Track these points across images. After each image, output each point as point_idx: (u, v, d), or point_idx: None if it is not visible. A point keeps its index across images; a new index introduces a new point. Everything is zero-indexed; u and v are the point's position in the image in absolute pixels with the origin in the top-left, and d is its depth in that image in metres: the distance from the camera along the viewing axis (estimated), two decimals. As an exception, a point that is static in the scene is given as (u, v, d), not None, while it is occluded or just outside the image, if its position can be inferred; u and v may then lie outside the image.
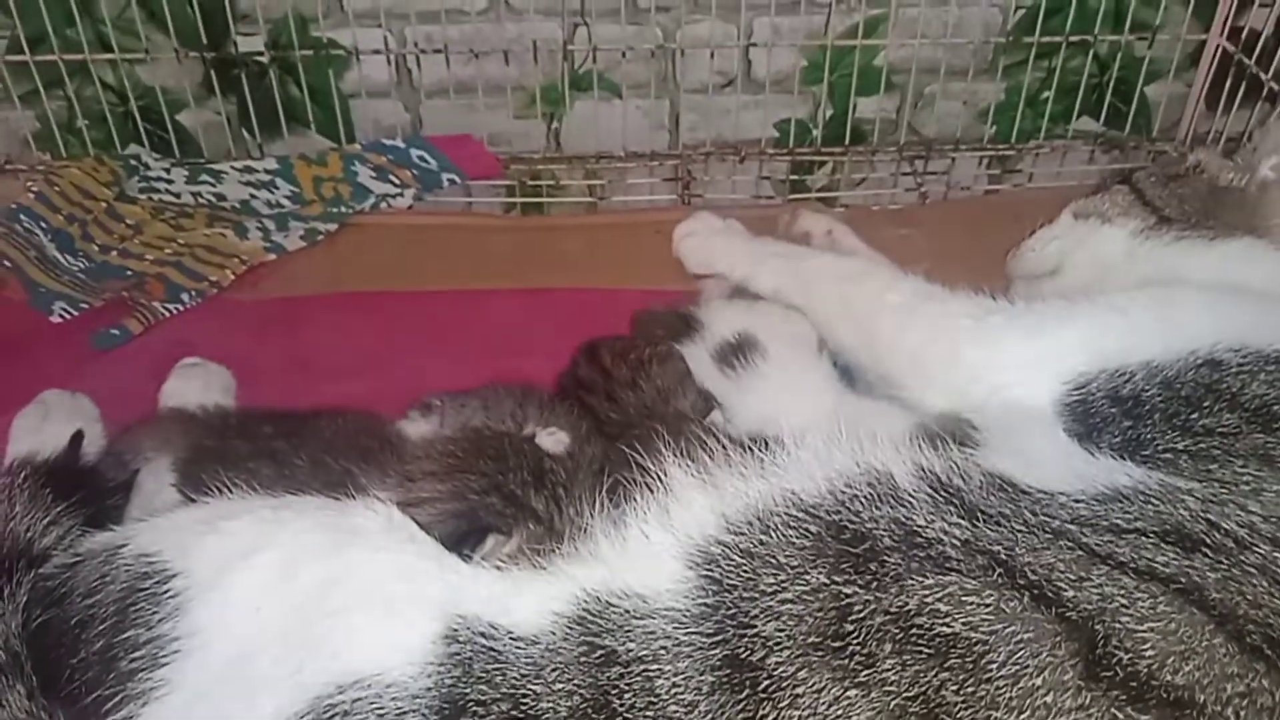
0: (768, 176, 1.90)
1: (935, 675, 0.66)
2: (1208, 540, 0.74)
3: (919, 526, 0.75)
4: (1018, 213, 1.32)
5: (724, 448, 0.88)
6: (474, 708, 0.69)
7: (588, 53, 1.78)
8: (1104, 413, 0.91)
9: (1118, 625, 0.67)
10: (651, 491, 0.84)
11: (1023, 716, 0.64)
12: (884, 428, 0.97)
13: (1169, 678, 0.65)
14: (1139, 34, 1.81)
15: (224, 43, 1.75)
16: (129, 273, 1.52)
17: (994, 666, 0.66)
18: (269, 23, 1.73)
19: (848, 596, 0.70)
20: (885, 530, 0.75)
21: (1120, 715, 0.64)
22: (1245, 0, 1.76)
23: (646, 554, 0.79)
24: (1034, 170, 1.91)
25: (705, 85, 1.83)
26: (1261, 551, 0.72)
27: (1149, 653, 0.66)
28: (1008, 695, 0.65)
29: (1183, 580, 0.70)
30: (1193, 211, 1.13)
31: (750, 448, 0.88)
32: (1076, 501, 0.79)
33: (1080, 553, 0.72)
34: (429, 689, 0.70)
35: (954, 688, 0.65)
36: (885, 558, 0.73)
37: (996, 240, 1.32)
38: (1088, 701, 0.64)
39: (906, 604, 0.69)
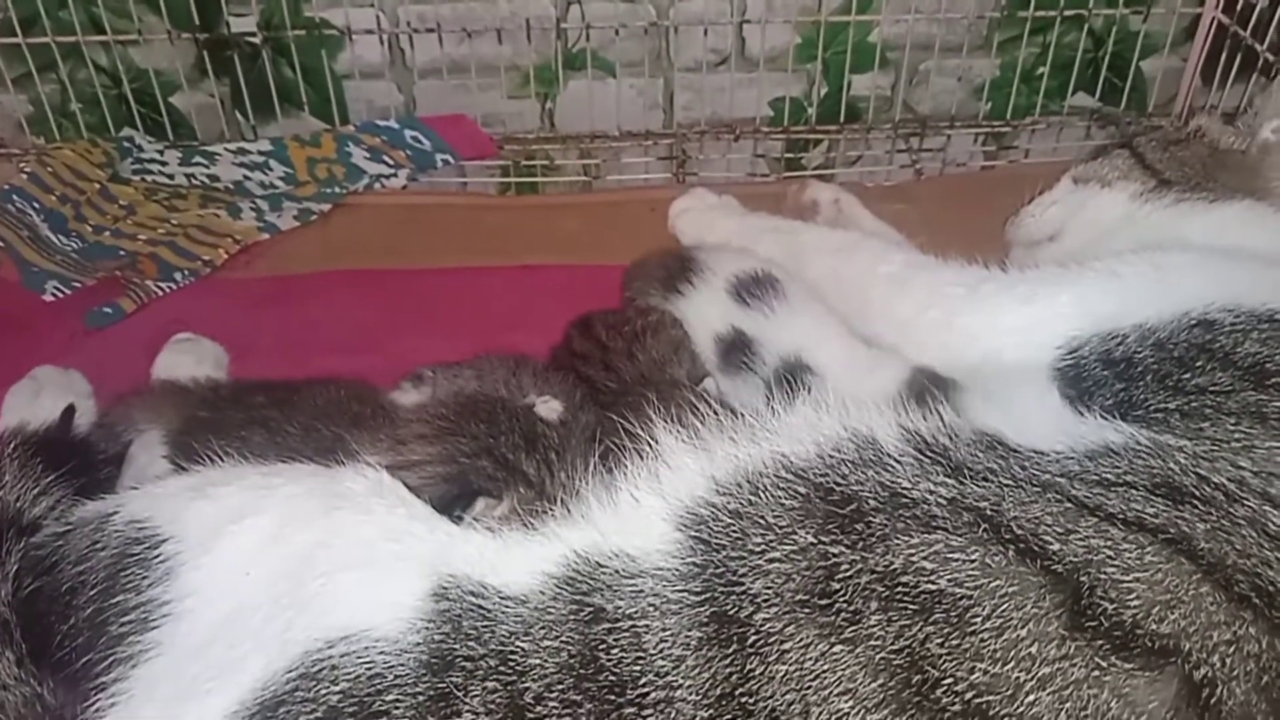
0: (763, 154, 1.90)
1: (920, 630, 0.66)
2: (1197, 493, 0.73)
3: (904, 488, 0.75)
4: (1013, 188, 1.31)
5: (715, 413, 0.88)
6: (462, 662, 0.69)
7: (581, 31, 1.78)
8: (1096, 375, 0.91)
9: (1103, 576, 0.67)
10: (642, 456, 0.83)
11: (1007, 667, 0.64)
12: (880, 380, 0.98)
13: (1154, 626, 0.65)
14: (1134, 8, 1.80)
15: (217, 24, 1.75)
16: (122, 252, 1.52)
17: (978, 620, 0.66)
18: (261, 3, 1.73)
19: (834, 556, 0.71)
20: (871, 492, 0.75)
21: (1104, 664, 0.64)
22: (1241, -28, 1.76)
23: (636, 516, 0.79)
24: (1030, 146, 1.91)
25: (699, 63, 1.82)
26: (1251, 505, 0.72)
27: (1134, 602, 0.66)
28: (992, 647, 0.65)
29: (1171, 531, 0.70)
30: (1193, 175, 1.13)
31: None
32: (1067, 458, 0.79)
33: (1068, 505, 0.72)
34: (418, 644, 0.71)
35: (938, 641, 0.65)
36: (871, 518, 0.73)
37: (992, 215, 1.32)
38: (1071, 651, 0.64)
39: (892, 563, 0.69)
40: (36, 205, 1.55)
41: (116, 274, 1.46)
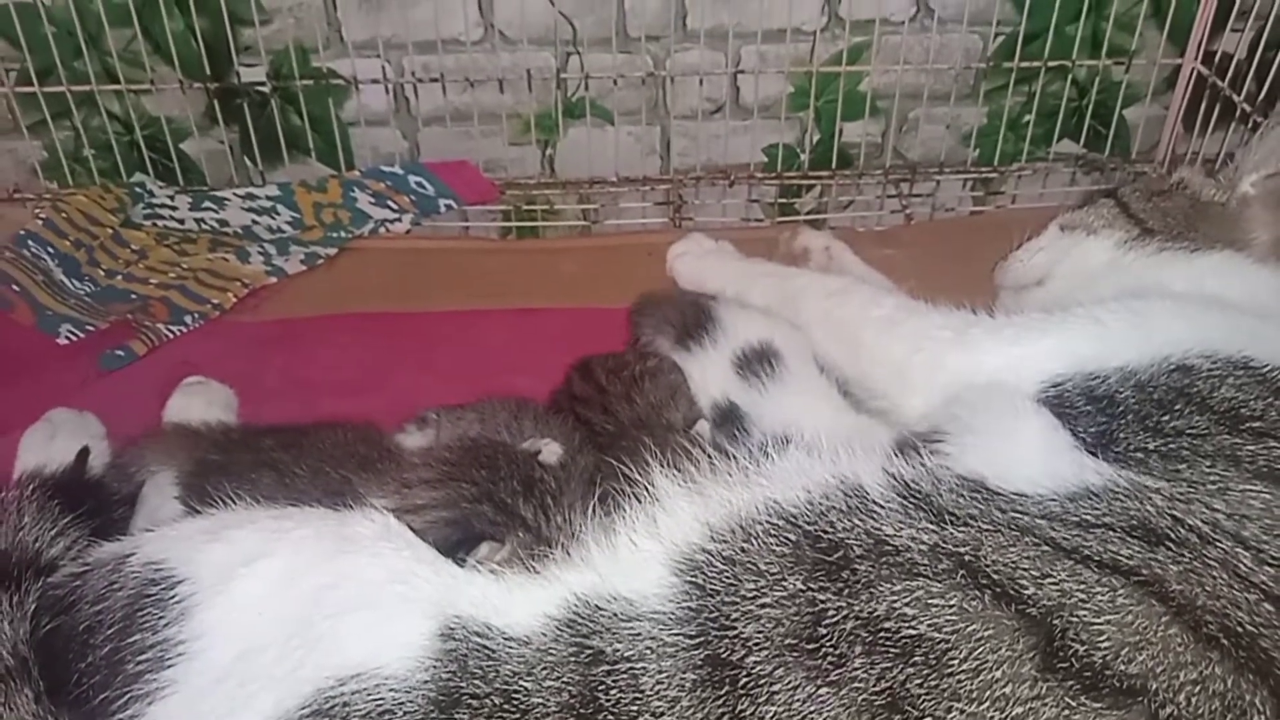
0: (757, 200, 1.94)
1: (901, 672, 0.69)
2: (1172, 535, 0.77)
3: (888, 535, 0.78)
4: (1001, 233, 1.34)
5: (709, 457, 0.91)
6: (468, 700, 0.72)
7: (580, 81, 1.83)
8: (1078, 409, 0.94)
9: (1075, 619, 0.70)
10: (640, 501, 0.86)
11: (982, 707, 0.67)
12: (866, 439, 1.01)
13: (1123, 667, 0.68)
14: (1116, 59, 1.86)
15: (227, 73, 1.80)
16: (134, 296, 1.56)
17: (955, 662, 0.69)
18: (270, 53, 1.78)
19: (822, 602, 0.74)
20: (857, 540, 0.78)
21: (1074, 704, 0.66)
22: (1219, 25, 1.81)
23: (634, 561, 0.82)
24: (1017, 192, 1.96)
25: (695, 111, 1.87)
26: (1224, 546, 0.76)
27: (1105, 644, 0.69)
28: (968, 688, 0.68)
29: (1144, 572, 0.73)
30: (1175, 224, 1.16)
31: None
32: (1048, 500, 0.82)
33: (1045, 548, 0.76)
34: (426, 681, 0.73)
35: (918, 682, 0.68)
36: (856, 565, 0.76)
37: (980, 260, 1.35)
38: (1043, 691, 0.67)
39: (876, 610, 0.73)
40: (51, 250, 1.59)
41: (128, 317, 1.49)
